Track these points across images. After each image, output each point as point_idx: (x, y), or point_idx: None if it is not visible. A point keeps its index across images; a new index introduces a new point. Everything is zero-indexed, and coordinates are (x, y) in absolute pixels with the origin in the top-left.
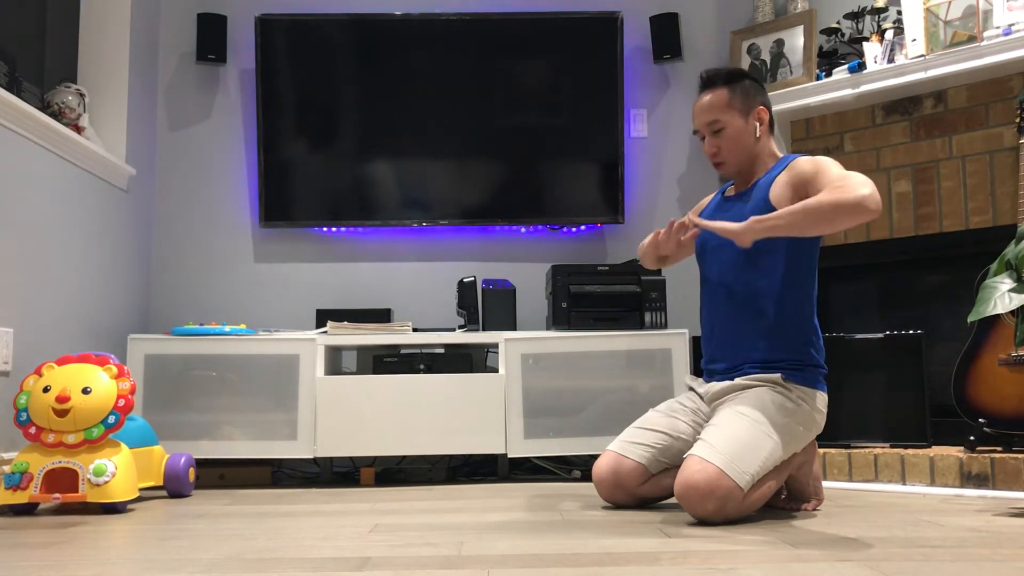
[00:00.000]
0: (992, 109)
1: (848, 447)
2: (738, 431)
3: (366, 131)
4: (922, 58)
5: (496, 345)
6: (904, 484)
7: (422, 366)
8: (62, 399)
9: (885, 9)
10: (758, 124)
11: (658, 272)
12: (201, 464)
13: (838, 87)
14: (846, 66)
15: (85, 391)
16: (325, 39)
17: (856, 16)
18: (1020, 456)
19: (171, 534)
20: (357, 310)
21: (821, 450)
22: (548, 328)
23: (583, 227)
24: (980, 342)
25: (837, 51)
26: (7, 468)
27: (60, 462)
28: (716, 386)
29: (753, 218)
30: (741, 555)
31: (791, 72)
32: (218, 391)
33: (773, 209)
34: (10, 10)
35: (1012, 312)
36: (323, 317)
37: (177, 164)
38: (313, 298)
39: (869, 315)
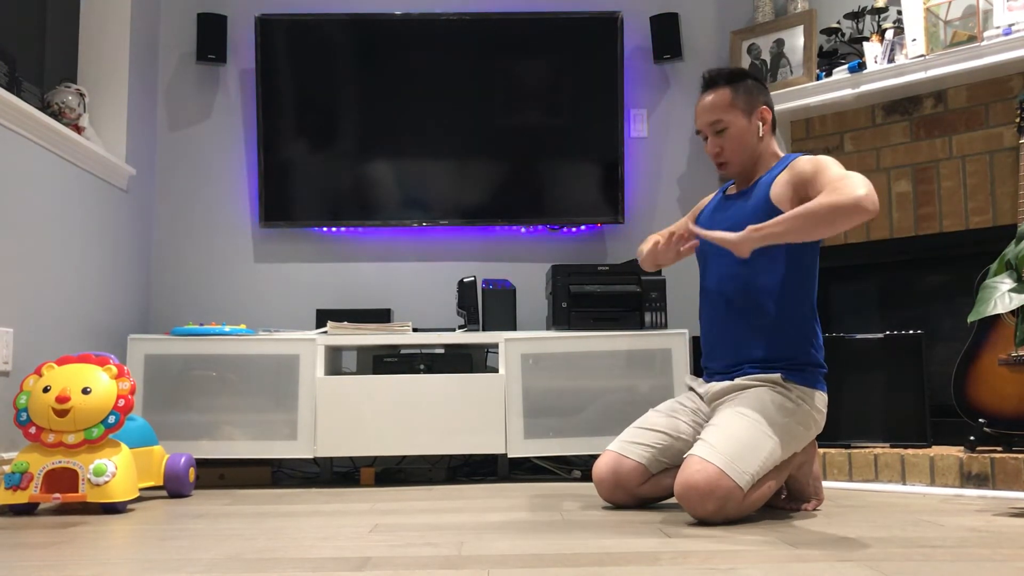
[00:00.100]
0: (992, 109)
1: (848, 447)
2: (738, 431)
3: (366, 131)
4: (922, 58)
5: (496, 345)
6: (904, 484)
7: (422, 366)
8: (62, 399)
9: (885, 9)
10: (761, 124)
11: (658, 272)
12: (201, 464)
13: (838, 87)
14: (846, 66)
15: (85, 391)
16: (325, 39)
17: (856, 16)
18: (1020, 456)
19: (171, 534)
20: (357, 310)
21: (821, 450)
22: (548, 328)
23: (583, 227)
24: (980, 342)
25: (837, 51)
26: (7, 468)
27: (60, 462)
28: (716, 386)
29: (750, 227)
30: (741, 555)
31: (791, 72)
32: (218, 391)
33: (774, 207)
34: (10, 10)
35: (1012, 312)
36: (323, 317)
37: (177, 164)
38: (313, 298)
39: (869, 315)
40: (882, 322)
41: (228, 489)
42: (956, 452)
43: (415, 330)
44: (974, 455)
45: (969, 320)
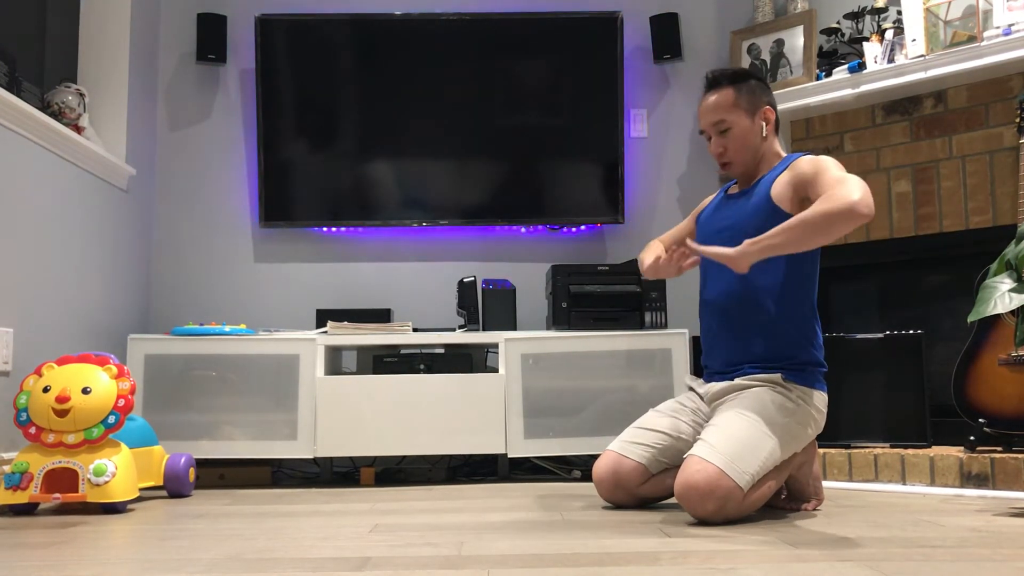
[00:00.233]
0: (992, 109)
1: (848, 447)
2: (738, 431)
3: (366, 131)
4: (922, 58)
5: (496, 345)
6: (904, 484)
7: (422, 366)
8: (62, 399)
9: (885, 9)
10: (764, 124)
11: None
12: (201, 464)
13: (838, 87)
14: (846, 66)
15: (85, 391)
16: (325, 39)
17: (856, 16)
18: (1020, 456)
19: (171, 534)
20: (357, 310)
21: (821, 450)
22: (548, 328)
23: (583, 227)
24: (980, 342)
25: (837, 51)
26: (7, 468)
27: (60, 462)
28: (716, 386)
29: (747, 241)
30: (741, 555)
31: (791, 72)
32: (218, 391)
33: (775, 206)
34: (10, 10)
35: (1012, 312)
36: (323, 317)
37: (177, 164)
38: (313, 298)
39: (869, 315)
40: (882, 322)
41: (228, 489)
42: (956, 452)
43: (415, 330)
44: (974, 455)
45: (969, 320)
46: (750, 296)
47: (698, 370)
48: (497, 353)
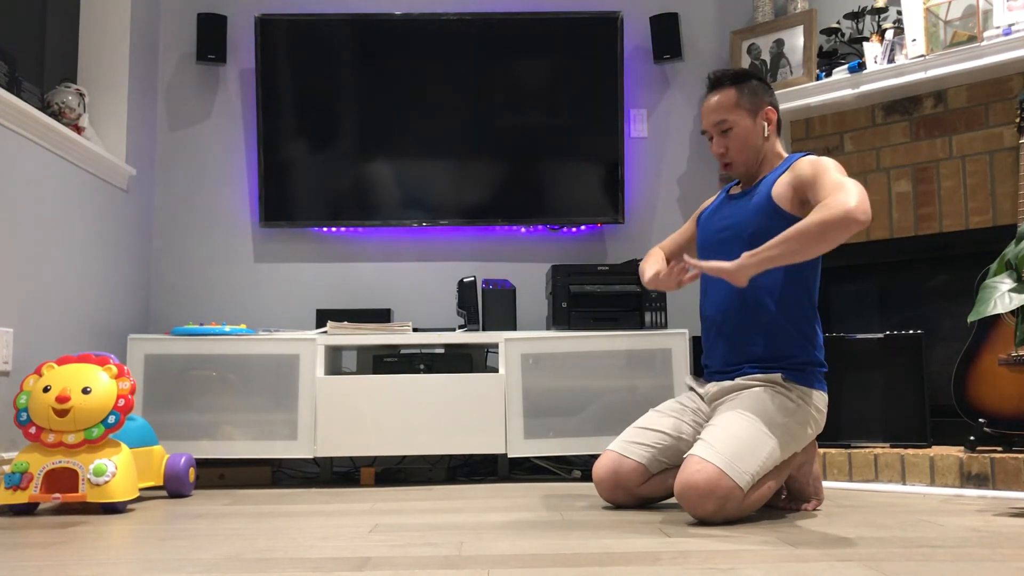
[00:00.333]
0: (992, 109)
1: (848, 447)
2: (738, 431)
3: (366, 131)
4: (922, 58)
5: (496, 345)
6: (904, 484)
7: (422, 366)
8: (62, 399)
9: (885, 9)
10: (766, 124)
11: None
12: (201, 464)
13: (838, 87)
14: (846, 66)
15: (85, 391)
16: (325, 39)
17: (856, 16)
18: (1020, 456)
19: (171, 534)
20: (357, 310)
21: (821, 450)
22: (548, 328)
23: (583, 227)
24: (980, 342)
25: (837, 51)
26: (7, 468)
27: (60, 462)
28: (716, 386)
29: (746, 254)
30: (741, 555)
31: (791, 72)
32: (218, 391)
33: (775, 206)
34: (10, 10)
35: (1012, 312)
36: (323, 317)
37: (177, 164)
38: (313, 298)
39: (869, 315)
40: (882, 322)
41: (228, 489)
42: (956, 452)
43: (415, 330)
44: (974, 455)
45: (969, 320)
46: (750, 296)
47: (698, 370)
48: (497, 353)
